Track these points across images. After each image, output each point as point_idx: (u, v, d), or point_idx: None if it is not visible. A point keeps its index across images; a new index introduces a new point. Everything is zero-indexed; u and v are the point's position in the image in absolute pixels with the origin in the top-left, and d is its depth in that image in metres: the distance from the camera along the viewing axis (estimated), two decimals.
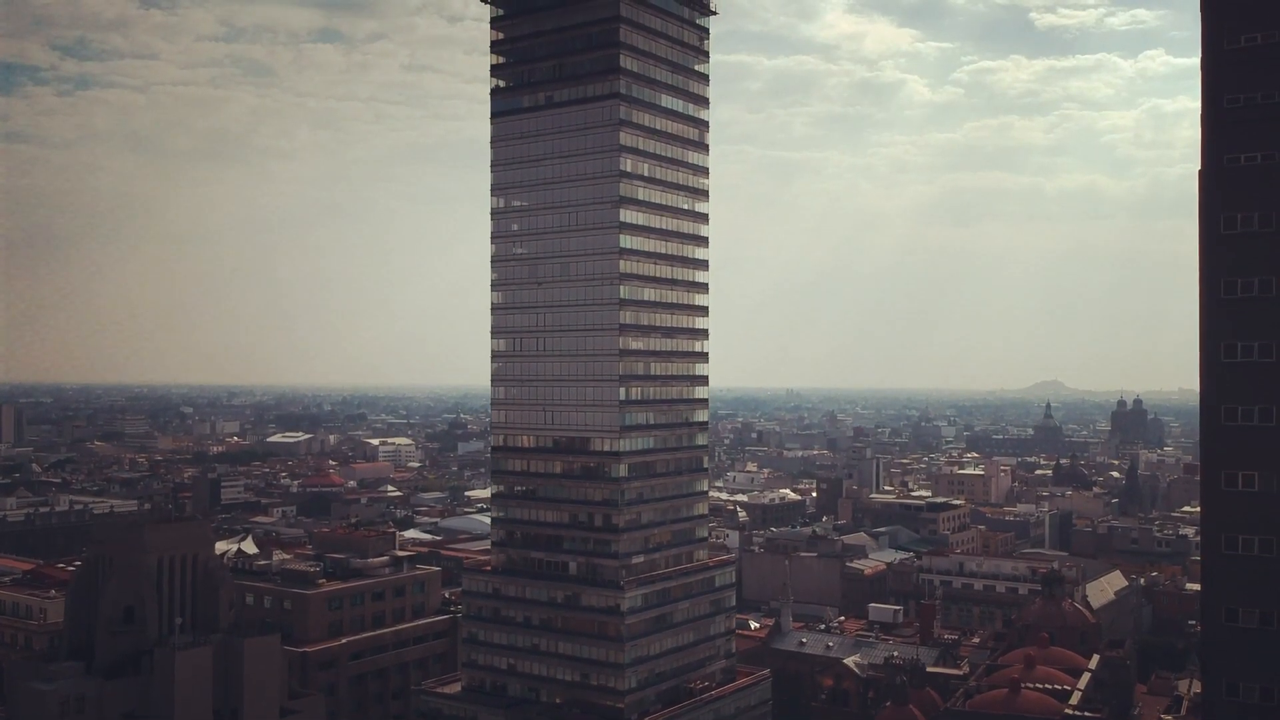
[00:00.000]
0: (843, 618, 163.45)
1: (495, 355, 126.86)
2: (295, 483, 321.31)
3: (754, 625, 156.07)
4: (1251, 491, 50.79)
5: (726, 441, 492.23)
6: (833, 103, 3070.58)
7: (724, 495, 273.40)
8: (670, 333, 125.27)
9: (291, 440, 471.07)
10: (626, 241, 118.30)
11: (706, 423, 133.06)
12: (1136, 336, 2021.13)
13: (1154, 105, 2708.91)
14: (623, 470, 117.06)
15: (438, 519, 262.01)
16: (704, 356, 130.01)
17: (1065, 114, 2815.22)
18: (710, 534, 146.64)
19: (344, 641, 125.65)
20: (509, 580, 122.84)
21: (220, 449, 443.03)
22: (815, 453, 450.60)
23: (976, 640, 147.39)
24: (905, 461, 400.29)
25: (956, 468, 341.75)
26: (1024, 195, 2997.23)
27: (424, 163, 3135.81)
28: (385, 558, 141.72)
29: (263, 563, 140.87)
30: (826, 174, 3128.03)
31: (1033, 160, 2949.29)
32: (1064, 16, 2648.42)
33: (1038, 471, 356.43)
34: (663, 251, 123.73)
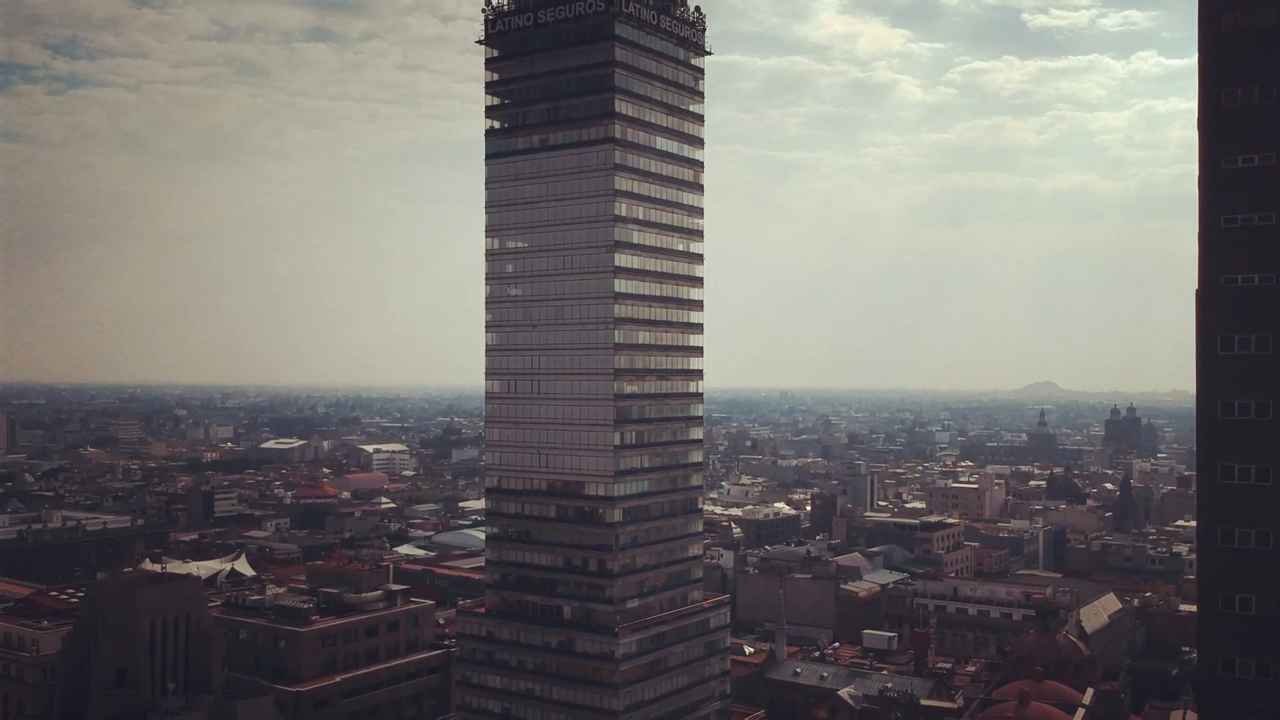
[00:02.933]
0: (837, 644, 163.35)
1: (490, 396, 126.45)
2: (289, 494, 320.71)
3: (748, 650, 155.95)
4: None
5: (721, 448, 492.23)
6: (826, 103, 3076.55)
7: (718, 509, 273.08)
8: (665, 375, 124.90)
9: (285, 447, 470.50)
10: (621, 286, 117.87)
11: (701, 463, 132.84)
12: (1129, 337, 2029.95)
13: (1146, 106, 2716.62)
14: (617, 515, 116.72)
15: (432, 533, 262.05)
16: (699, 397, 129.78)
17: (1058, 115, 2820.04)
18: (705, 553, 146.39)
19: (338, 680, 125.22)
20: (503, 624, 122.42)
21: (214, 455, 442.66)
22: (810, 460, 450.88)
23: (972, 669, 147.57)
24: (899, 471, 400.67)
25: (951, 480, 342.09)
26: (1017, 196, 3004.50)
27: (417, 162, 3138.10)
28: (379, 591, 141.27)
29: (256, 598, 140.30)
30: (820, 174, 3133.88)
31: (1025, 161, 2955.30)
32: (1056, 17, 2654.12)
33: (1032, 483, 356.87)
34: (658, 294, 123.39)
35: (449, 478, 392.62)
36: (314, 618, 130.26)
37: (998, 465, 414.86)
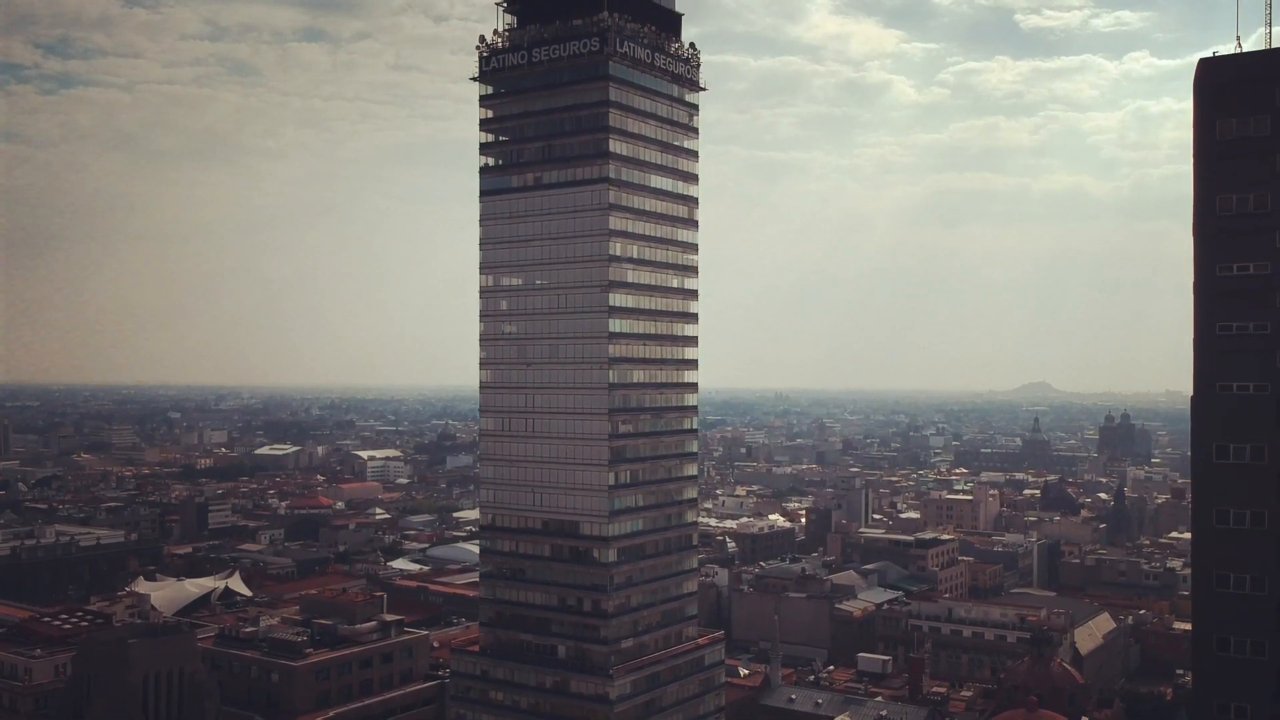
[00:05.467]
0: (831, 667, 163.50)
1: (484, 434, 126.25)
2: (283, 504, 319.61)
3: (743, 672, 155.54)
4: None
5: (716, 455, 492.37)
6: (819, 103, 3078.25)
7: (713, 521, 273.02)
8: (659, 412, 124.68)
9: (279, 453, 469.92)
10: (616, 325, 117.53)
11: (696, 499, 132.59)
12: (1123, 338, 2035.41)
13: (1139, 107, 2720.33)
14: (611, 555, 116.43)
15: (427, 545, 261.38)
16: (693, 433, 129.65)
17: (1050, 115, 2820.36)
18: (699, 569, 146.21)
19: (332, 714, 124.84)
20: (497, 663, 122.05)
21: (208, 462, 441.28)
22: (804, 467, 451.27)
23: (967, 693, 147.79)
24: (894, 479, 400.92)
25: (945, 491, 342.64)
26: (1010, 196, 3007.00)
27: (412, 162, 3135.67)
28: (373, 623, 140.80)
29: (249, 629, 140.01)
30: (813, 174, 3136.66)
31: (1018, 161, 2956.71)
32: (1048, 18, 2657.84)
33: (1026, 491, 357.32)
34: (652, 333, 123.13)
35: (443, 486, 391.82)
36: (308, 650, 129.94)
37: (992, 472, 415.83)
